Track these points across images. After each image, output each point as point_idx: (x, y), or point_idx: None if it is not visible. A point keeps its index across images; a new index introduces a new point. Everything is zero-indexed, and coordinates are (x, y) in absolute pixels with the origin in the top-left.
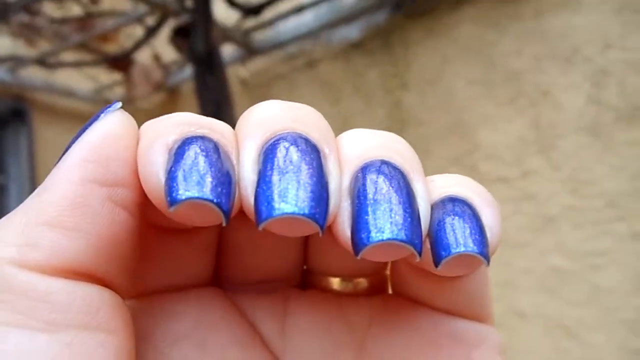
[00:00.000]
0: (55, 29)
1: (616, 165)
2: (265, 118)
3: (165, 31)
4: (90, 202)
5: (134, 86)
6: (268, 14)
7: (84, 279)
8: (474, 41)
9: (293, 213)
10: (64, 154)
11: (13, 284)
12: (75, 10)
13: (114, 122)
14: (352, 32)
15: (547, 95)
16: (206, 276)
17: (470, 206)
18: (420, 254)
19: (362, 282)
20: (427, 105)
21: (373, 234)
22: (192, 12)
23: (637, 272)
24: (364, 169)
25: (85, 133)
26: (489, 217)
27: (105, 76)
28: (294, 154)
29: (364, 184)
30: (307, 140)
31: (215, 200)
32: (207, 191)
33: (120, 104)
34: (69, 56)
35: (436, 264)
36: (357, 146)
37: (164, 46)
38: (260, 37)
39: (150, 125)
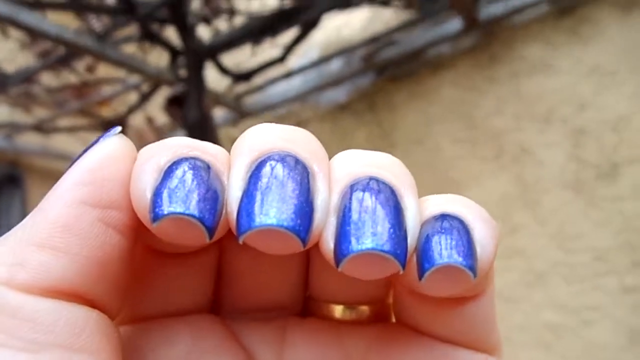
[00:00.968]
0: (52, 97)
1: (601, 220)
2: (257, 139)
3: (159, 96)
4: (81, 224)
5: None
6: (258, 79)
7: (70, 299)
8: (455, 102)
9: (272, 225)
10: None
11: (0, 303)
12: (72, 78)
13: (111, 145)
14: (339, 94)
15: (529, 153)
16: (203, 303)
17: (461, 221)
18: (403, 266)
19: (365, 310)
20: (415, 164)
21: (354, 244)
22: (185, 81)
23: (630, 327)
24: (353, 186)
25: (82, 156)
26: (480, 231)
27: None
28: (280, 170)
29: (350, 199)
30: (296, 159)
31: (197, 215)
32: (190, 207)
33: (120, 128)
34: (64, 121)
35: (420, 276)
36: (348, 165)
37: (157, 109)
38: (251, 100)
39: (147, 148)
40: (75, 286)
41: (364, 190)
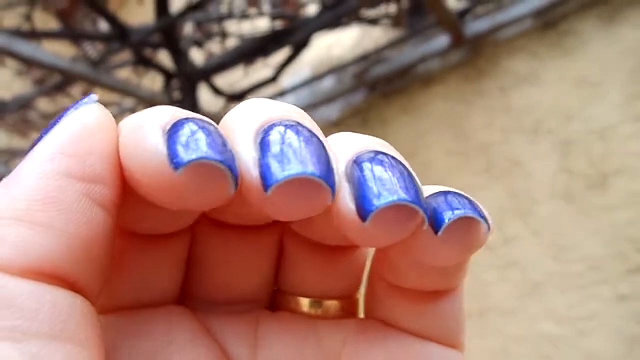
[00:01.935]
0: (49, 122)
1: (593, 229)
2: (256, 109)
3: None
4: (65, 198)
5: None
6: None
7: (54, 282)
8: (445, 116)
9: (305, 173)
10: (34, 144)
11: None
12: (68, 103)
13: (91, 114)
14: (331, 112)
15: (519, 164)
16: (174, 293)
17: (465, 197)
18: (433, 228)
19: (333, 304)
20: None
21: (381, 198)
22: (179, 103)
23: (627, 335)
24: (359, 156)
25: (59, 124)
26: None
27: None
28: (293, 132)
29: (361, 166)
30: (303, 126)
31: (223, 160)
32: (215, 153)
33: (96, 97)
34: None
35: (437, 226)
36: (347, 140)
37: None
38: None
39: (133, 116)
40: (59, 267)
41: (374, 158)
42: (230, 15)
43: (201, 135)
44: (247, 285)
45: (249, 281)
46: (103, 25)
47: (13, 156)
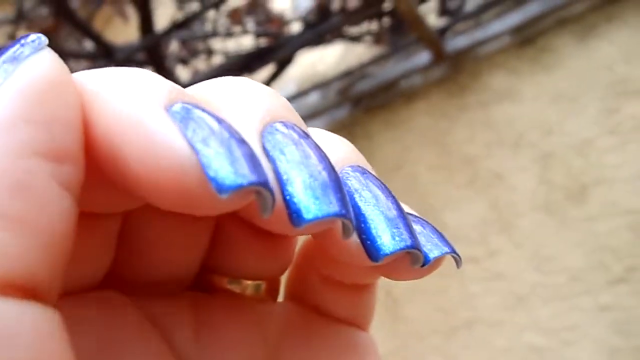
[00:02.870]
0: None
1: (574, 241)
2: (251, 96)
3: None
4: (36, 183)
5: None
6: None
7: (29, 296)
8: (429, 130)
9: (336, 214)
10: None
11: None
12: None
13: (47, 64)
14: (317, 126)
15: (501, 178)
16: (102, 276)
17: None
18: (426, 262)
19: (250, 285)
20: (393, 191)
21: (387, 243)
22: None
23: (609, 345)
24: (345, 171)
25: (8, 75)
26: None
27: None
28: (300, 144)
29: (351, 190)
30: (301, 131)
31: (270, 187)
32: (261, 175)
33: (45, 39)
34: None
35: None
36: (322, 142)
37: None
38: None
39: (100, 74)
40: (34, 274)
41: (359, 174)
42: (215, 34)
43: (231, 143)
44: (180, 264)
45: (183, 260)
46: (88, 44)
47: None
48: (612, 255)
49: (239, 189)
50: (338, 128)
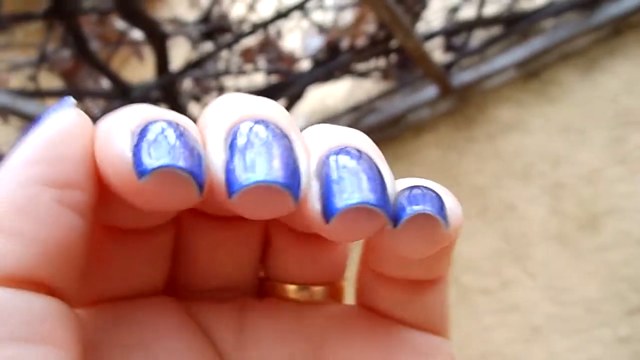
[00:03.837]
0: None
1: (588, 271)
2: (231, 106)
3: None
4: (36, 205)
5: None
6: None
7: (28, 288)
8: (438, 162)
9: (266, 181)
10: (12, 151)
11: None
12: None
13: (66, 118)
14: None
15: (512, 208)
16: (159, 284)
17: (432, 190)
18: (393, 222)
19: (319, 290)
20: None
21: (344, 199)
22: None
23: None
24: (329, 153)
25: (32, 131)
26: (449, 200)
27: None
28: (264, 132)
29: (329, 164)
30: (275, 125)
31: (187, 168)
32: (178, 160)
33: (73, 100)
34: None
35: (397, 222)
36: (322, 134)
37: None
38: None
39: (108, 117)
40: (32, 273)
41: (343, 155)
42: (227, 72)
43: (168, 140)
44: (233, 274)
45: (235, 269)
46: (105, 83)
47: None
48: (629, 285)
49: (152, 171)
50: None
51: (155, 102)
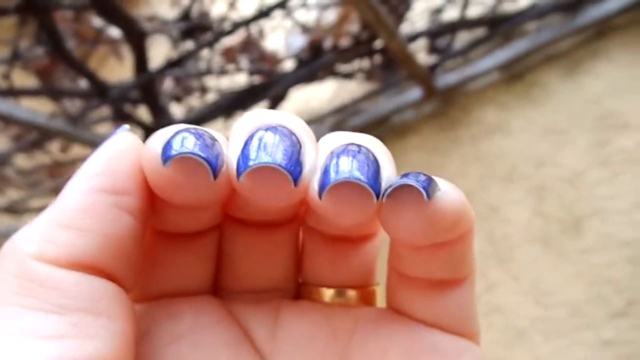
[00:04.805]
0: (26, 179)
1: (571, 273)
2: (255, 117)
3: None
4: (98, 208)
5: None
6: None
7: (91, 272)
8: (422, 165)
9: (269, 163)
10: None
11: (32, 274)
12: (46, 158)
13: (121, 140)
14: None
15: (495, 211)
16: (204, 285)
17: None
18: (377, 195)
19: (353, 295)
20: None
21: (333, 178)
22: None
23: None
24: (335, 148)
25: (95, 151)
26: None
27: None
28: (274, 135)
29: (331, 156)
30: (290, 130)
31: (203, 155)
32: (196, 149)
33: (127, 126)
34: (37, 202)
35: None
36: (336, 137)
37: None
38: None
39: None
40: (95, 261)
41: (346, 149)
42: (209, 71)
43: (191, 138)
44: (270, 277)
45: (272, 272)
46: (82, 82)
47: None
48: (612, 288)
49: (174, 156)
50: None
51: (134, 102)
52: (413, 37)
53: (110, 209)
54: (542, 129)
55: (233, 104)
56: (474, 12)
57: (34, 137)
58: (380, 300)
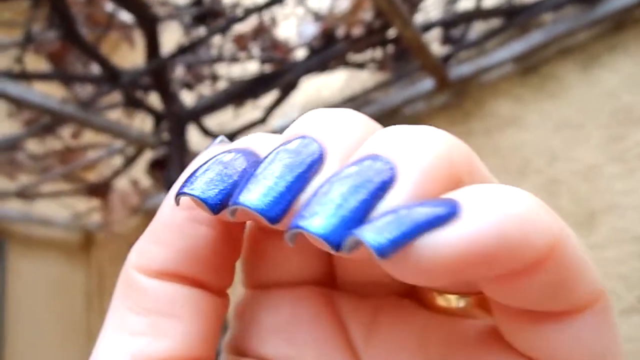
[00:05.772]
0: (37, 164)
1: None
2: (300, 121)
3: (143, 159)
4: (176, 222)
5: (111, 211)
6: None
7: (173, 280)
8: None
9: (245, 205)
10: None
11: (130, 280)
12: (57, 144)
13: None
14: None
15: None
16: (310, 276)
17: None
18: (337, 247)
19: (469, 301)
20: None
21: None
22: (168, 144)
23: None
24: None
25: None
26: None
27: (82, 204)
28: (281, 154)
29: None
30: (309, 142)
31: (199, 196)
32: (198, 190)
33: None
34: (48, 187)
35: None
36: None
37: (141, 172)
38: None
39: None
40: (175, 270)
41: (338, 174)
42: (220, 59)
43: (206, 175)
44: (377, 272)
45: (376, 268)
46: (94, 68)
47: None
48: (623, 283)
49: (178, 196)
50: None
51: (145, 88)
52: (427, 27)
53: (186, 222)
54: (556, 123)
55: (244, 92)
56: (489, 2)
57: (46, 121)
58: None
